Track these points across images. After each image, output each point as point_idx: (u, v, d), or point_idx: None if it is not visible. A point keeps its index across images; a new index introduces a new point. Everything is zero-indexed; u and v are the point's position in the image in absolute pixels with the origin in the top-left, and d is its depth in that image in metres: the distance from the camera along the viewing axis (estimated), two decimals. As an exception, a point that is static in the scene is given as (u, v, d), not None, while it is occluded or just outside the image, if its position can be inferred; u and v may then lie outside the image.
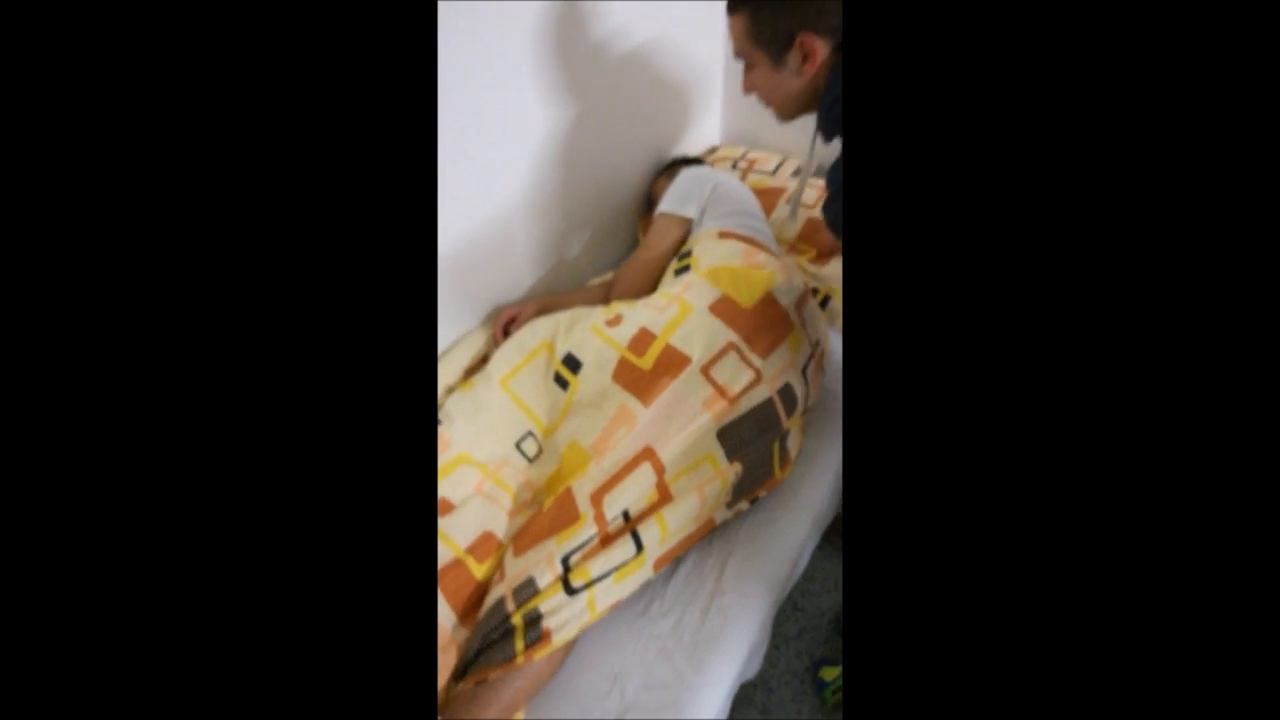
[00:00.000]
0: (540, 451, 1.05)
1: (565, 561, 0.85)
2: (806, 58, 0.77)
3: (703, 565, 0.95)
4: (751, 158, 1.51)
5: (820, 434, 1.08)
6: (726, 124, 1.65)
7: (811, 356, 1.05)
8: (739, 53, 0.83)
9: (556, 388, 1.07)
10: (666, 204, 1.19)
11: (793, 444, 1.02)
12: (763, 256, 1.10)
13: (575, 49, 1.07)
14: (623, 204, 1.42)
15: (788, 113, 0.85)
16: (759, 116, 1.55)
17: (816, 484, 1.03)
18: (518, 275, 1.21)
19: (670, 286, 1.10)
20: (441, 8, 0.83)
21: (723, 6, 1.37)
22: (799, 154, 1.50)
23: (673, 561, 0.93)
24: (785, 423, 0.98)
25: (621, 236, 1.48)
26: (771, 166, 1.47)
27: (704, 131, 1.61)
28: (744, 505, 0.97)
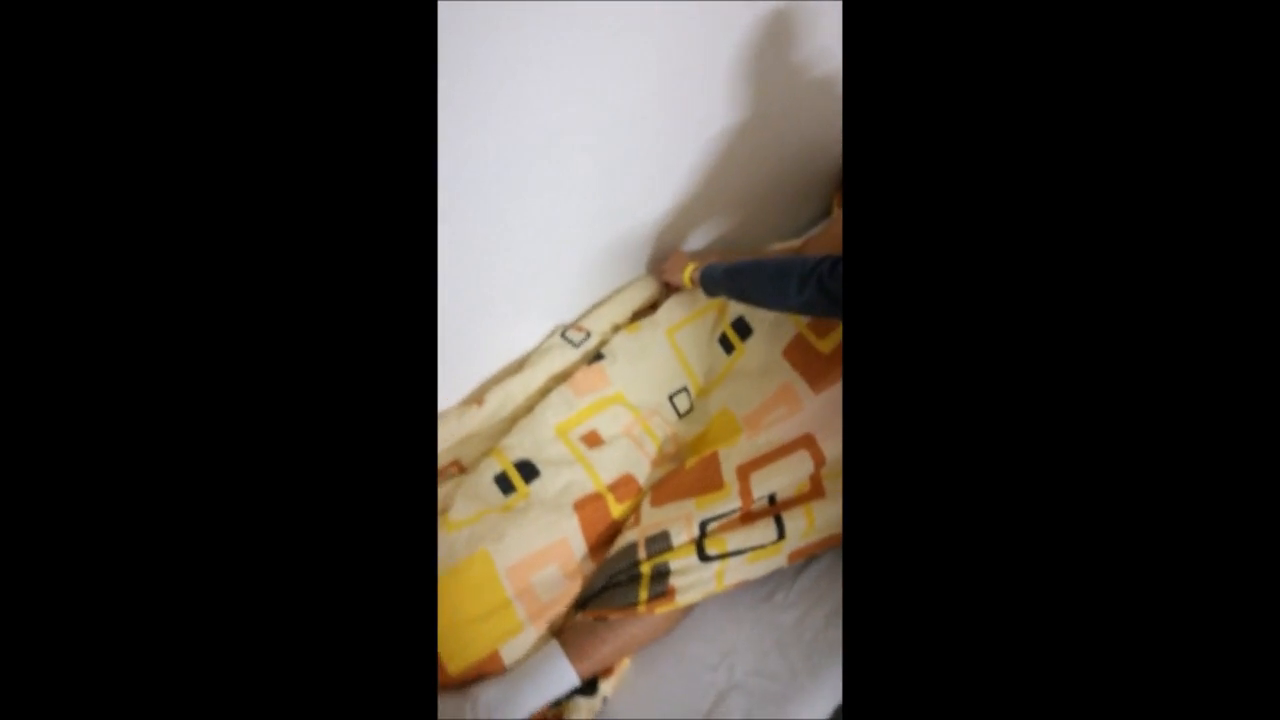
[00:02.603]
0: (691, 409, 1.04)
1: (703, 526, 0.83)
2: None
3: (837, 571, 0.90)
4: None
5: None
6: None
7: None
8: None
9: (720, 349, 1.05)
10: None
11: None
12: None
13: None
14: (815, 170, 1.32)
15: None
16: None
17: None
18: (691, 227, 1.17)
19: None
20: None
21: None
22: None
23: (807, 558, 0.89)
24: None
25: (812, 204, 1.39)
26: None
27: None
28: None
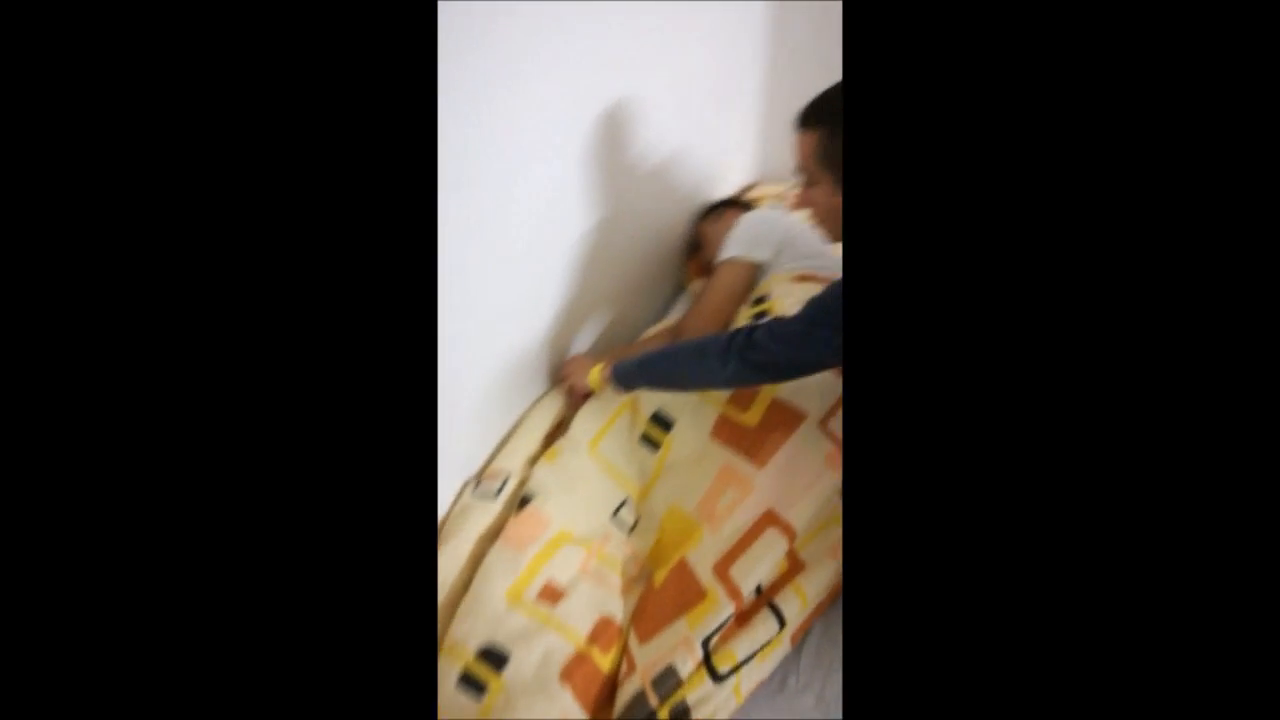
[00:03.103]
0: (638, 520, 0.98)
1: (705, 645, 0.78)
2: None
3: (832, 631, 0.89)
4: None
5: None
6: (765, 158, 1.63)
7: None
8: (802, 169, 0.80)
9: (645, 449, 1.01)
10: (733, 248, 1.15)
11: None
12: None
13: (607, 105, 1.03)
14: (664, 252, 1.38)
15: (839, 235, 0.82)
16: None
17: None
18: (573, 334, 1.15)
19: None
20: (479, 89, 0.77)
21: (758, 37, 1.35)
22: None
23: (804, 634, 0.87)
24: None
25: (667, 284, 1.43)
26: (813, 201, 1.46)
27: (741, 167, 1.59)
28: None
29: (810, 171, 0.79)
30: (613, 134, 1.03)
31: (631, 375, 0.94)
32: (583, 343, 1.17)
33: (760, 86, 1.47)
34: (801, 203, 0.83)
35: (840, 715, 0.81)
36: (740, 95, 1.47)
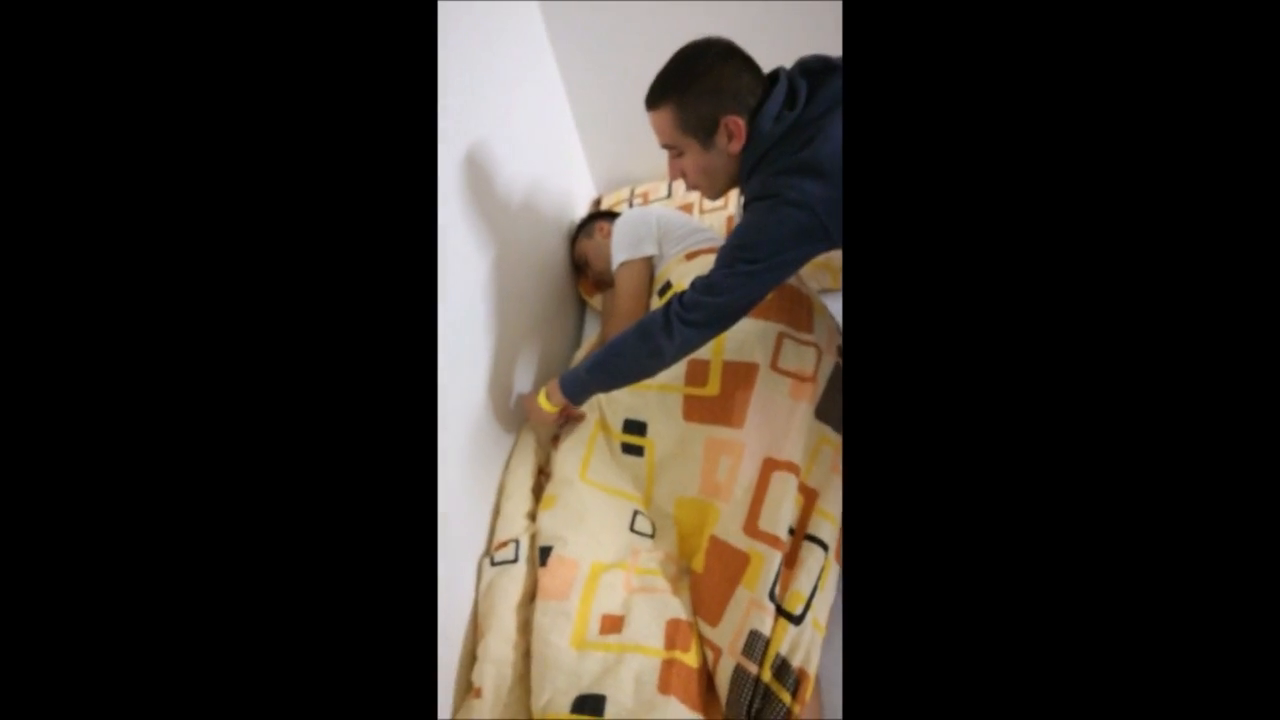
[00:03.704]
0: (654, 525, 1.00)
1: (773, 598, 0.82)
2: (733, 136, 0.84)
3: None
4: (642, 191, 1.58)
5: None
6: (596, 173, 1.71)
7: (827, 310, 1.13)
8: (667, 143, 0.89)
9: (631, 458, 1.04)
10: (623, 252, 1.21)
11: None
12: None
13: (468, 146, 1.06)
14: (557, 278, 1.41)
15: (718, 190, 0.92)
16: (622, 155, 1.65)
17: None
18: (509, 378, 1.14)
19: None
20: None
21: (551, 56, 1.42)
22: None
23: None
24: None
25: (571, 306, 1.46)
26: (664, 192, 1.56)
27: (581, 188, 1.65)
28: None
29: (675, 142, 0.87)
30: (477, 175, 1.04)
31: (581, 383, 0.96)
32: (522, 384, 1.16)
33: (565, 102, 1.55)
34: (675, 174, 0.91)
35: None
36: (559, 119, 1.54)
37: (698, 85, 0.84)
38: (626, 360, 0.92)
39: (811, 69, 0.84)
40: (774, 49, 0.89)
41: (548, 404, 1.00)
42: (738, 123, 0.83)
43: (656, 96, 0.86)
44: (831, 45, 0.83)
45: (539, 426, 1.07)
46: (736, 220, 1.18)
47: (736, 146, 0.85)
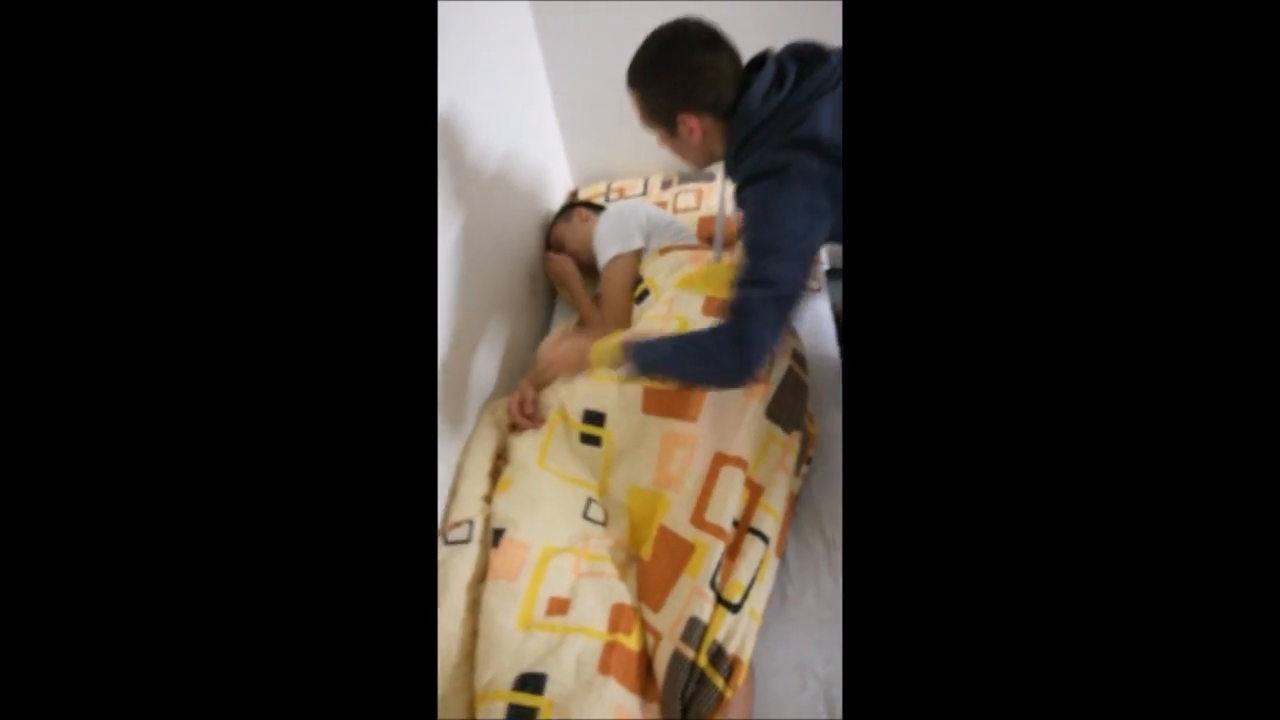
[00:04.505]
0: (607, 513, 1.03)
1: (713, 586, 0.85)
2: (692, 131, 0.89)
3: (804, 534, 1.00)
4: (618, 186, 1.60)
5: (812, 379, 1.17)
6: (574, 165, 1.72)
7: None
8: (644, 123, 0.94)
9: (588, 448, 1.06)
10: (613, 247, 1.25)
11: (809, 397, 1.12)
12: (706, 254, 1.19)
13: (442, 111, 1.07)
14: (528, 259, 1.42)
15: (700, 166, 0.98)
16: (602, 149, 1.67)
17: (836, 417, 1.14)
18: (469, 360, 1.16)
19: (648, 310, 1.14)
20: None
21: (538, 50, 1.44)
22: (656, 171, 1.62)
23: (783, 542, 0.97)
24: (806, 379, 1.07)
25: (542, 294, 1.48)
26: (639, 189, 1.58)
27: (559, 179, 1.67)
28: (805, 469, 1.05)
29: (648, 125, 0.94)
30: (449, 140, 1.06)
31: (650, 365, 0.92)
32: (485, 369, 1.18)
33: (547, 91, 1.57)
34: (661, 145, 0.97)
35: (839, 599, 0.92)
36: (534, 100, 1.55)
37: (659, 81, 0.88)
38: (698, 374, 0.90)
39: (802, 54, 0.88)
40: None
41: (606, 357, 0.95)
42: (693, 121, 0.87)
43: (629, 80, 0.91)
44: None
45: (567, 371, 1.05)
46: (718, 213, 1.19)
47: (699, 137, 0.89)
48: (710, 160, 0.96)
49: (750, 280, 0.83)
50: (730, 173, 0.92)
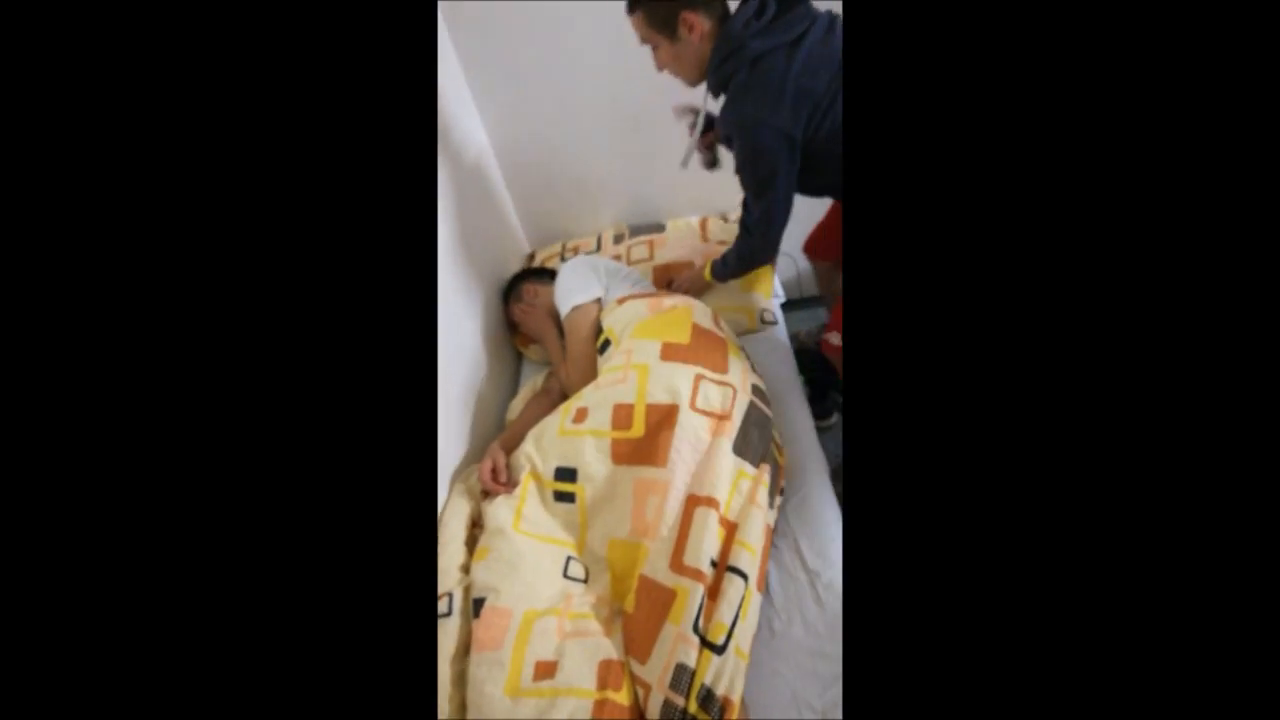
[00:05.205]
0: (587, 569, 1.03)
1: (697, 630, 0.85)
2: (692, 28, 1.03)
3: (785, 565, 1.01)
4: (573, 245, 1.65)
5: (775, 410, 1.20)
6: (528, 230, 1.77)
7: (743, 351, 1.20)
8: (644, 40, 1.09)
9: (563, 505, 1.07)
10: (573, 298, 1.27)
11: (775, 429, 1.14)
12: (666, 301, 1.23)
13: None
14: (489, 331, 1.45)
15: (693, 78, 1.11)
16: (553, 212, 1.72)
17: (803, 446, 1.16)
18: (450, 435, 1.17)
19: (609, 361, 1.16)
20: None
21: (479, 122, 1.50)
22: (607, 226, 1.68)
23: (765, 576, 0.98)
24: (769, 412, 1.10)
25: (508, 356, 1.50)
26: (594, 245, 1.63)
27: (513, 244, 1.71)
28: (778, 500, 1.06)
29: (650, 39, 1.08)
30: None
31: (725, 274, 1.35)
32: (455, 434, 1.19)
33: (494, 163, 1.62)
34: (659, 66, 1.11)
35: (829, 627, 0.92)
36: (490, 174, 1.60)
37: None
38: (760, 256, 1.31)
39: None
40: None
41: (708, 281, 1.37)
42: (694, 17, 1.02)
43: (628, 7, 1.06)
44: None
45: (701, 289, 1.40)
46: (686, 156, 1.28)
47: (698, 37, 1.04)
48: (701, 72, 1.09)
49: (752, 200, 1.15)
50: (711, 87, 1.10)
